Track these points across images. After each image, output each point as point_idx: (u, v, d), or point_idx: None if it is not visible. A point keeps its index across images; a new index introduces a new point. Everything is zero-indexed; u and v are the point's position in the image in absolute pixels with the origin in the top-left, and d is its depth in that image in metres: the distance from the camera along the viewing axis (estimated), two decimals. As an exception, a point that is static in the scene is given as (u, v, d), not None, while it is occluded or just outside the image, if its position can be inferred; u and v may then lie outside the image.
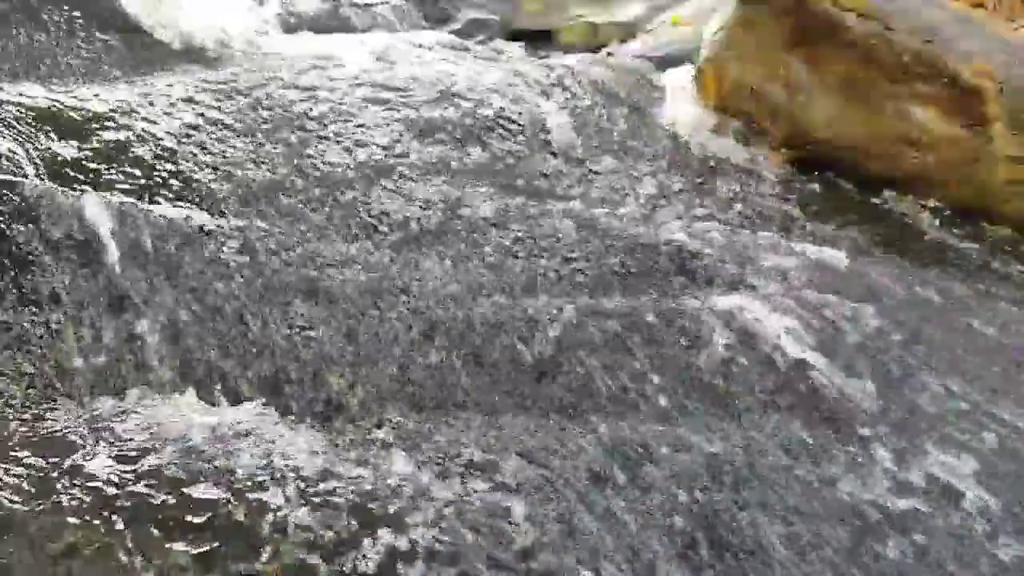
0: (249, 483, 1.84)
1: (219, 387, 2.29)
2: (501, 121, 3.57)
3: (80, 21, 3.68)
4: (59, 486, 1.79)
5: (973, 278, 3.26)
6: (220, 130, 3.16)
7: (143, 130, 3.01)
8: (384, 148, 3.26)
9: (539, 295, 2.73)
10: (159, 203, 2.71)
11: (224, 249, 2.59)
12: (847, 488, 2.29)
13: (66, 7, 3.71)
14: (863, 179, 3.65)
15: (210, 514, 1.75)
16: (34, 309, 2.30)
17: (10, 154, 2.68)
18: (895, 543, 2.18)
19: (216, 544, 1.69)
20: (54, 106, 3.02)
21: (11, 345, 2.22)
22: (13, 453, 1.90)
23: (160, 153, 2.93)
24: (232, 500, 1.78)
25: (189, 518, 1.74)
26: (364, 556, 1.75)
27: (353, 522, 1.79)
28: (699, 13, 4.59)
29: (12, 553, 1.65)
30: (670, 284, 2.88)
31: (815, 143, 3.69)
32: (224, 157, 3.02)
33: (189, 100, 3.30)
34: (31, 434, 1.98)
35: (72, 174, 2.70)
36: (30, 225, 2.42)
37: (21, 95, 3.02)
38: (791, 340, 2.69)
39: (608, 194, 3.31)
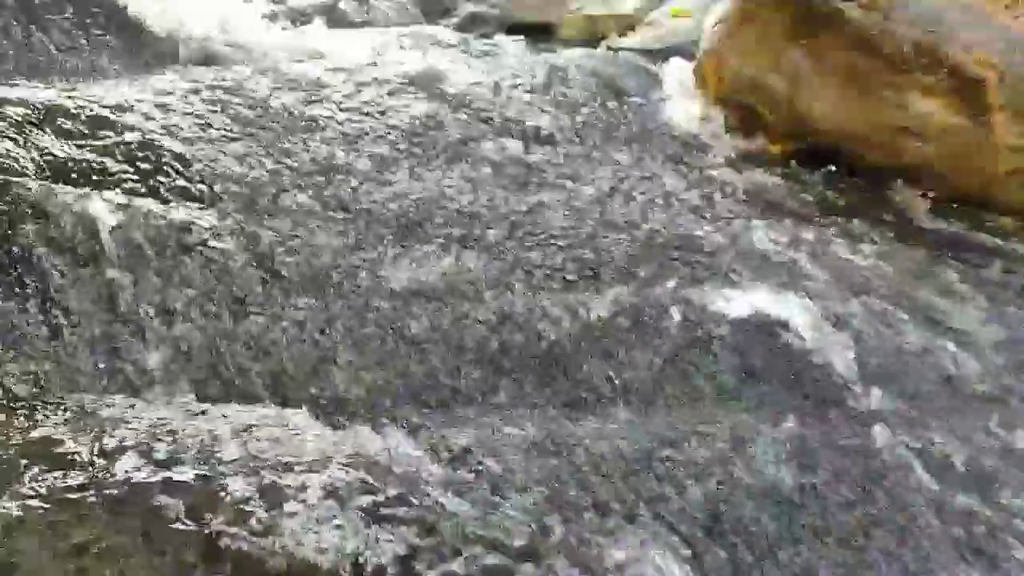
0: (259, 480, 1.84)
1: (224, 385, 2.29)
2: (499, 115, 3.56)
3: (79, 19, 3.67)
4: (67, 485, 1.79)
5: (975, 268, 3.26)
6: (219, 127, 3.16)
7: (144, 128, 3.00)
8: (384, 144, 3.26)
9: (538, 288, 2.74)
10: (160, 201, 2.71)
11: (224, 246, 2.59)
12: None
13: (65, 5, 3.70)
14: (864, 170, 3.66)
15: (219, 512, 1.75)
16: (36, 309, 2.29)
17: (10, 154, 2.67)
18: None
19: (228, 542, 1.69)
20: (53, 105, 3.01)
21: (15, 345, 2.21)
22: (20, 452, 1.90)
23: (160, 151, 2.92)
24: (243, 498, 1.78)
25: (199, 516, 1.74)
26: (375, 555, 1.75)
27: (363, 519, 1.79)
28: (697, 5, 4.59)
29: (21, 551, 1.65)
30: (671, 275, 2.88)
31: (816, 134, 3.69)
32: (224, 154, 3.01)
33: (188, 98, 3.29)
34: (38, 433, 1.98)
35: (73, 174, 2.70)
36: (32, 225, 2.42)
37: (20, 94, 3.01)
38: (793, 329, 2.70)
39: (607, 187, 3.31)
